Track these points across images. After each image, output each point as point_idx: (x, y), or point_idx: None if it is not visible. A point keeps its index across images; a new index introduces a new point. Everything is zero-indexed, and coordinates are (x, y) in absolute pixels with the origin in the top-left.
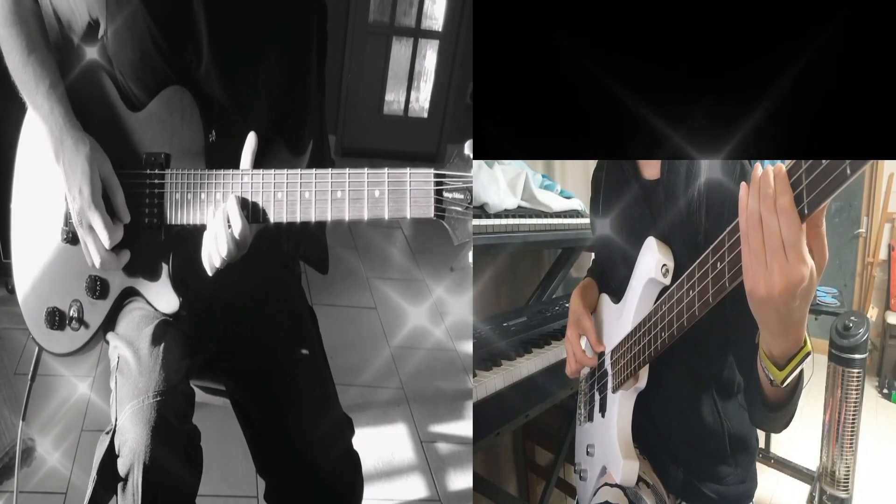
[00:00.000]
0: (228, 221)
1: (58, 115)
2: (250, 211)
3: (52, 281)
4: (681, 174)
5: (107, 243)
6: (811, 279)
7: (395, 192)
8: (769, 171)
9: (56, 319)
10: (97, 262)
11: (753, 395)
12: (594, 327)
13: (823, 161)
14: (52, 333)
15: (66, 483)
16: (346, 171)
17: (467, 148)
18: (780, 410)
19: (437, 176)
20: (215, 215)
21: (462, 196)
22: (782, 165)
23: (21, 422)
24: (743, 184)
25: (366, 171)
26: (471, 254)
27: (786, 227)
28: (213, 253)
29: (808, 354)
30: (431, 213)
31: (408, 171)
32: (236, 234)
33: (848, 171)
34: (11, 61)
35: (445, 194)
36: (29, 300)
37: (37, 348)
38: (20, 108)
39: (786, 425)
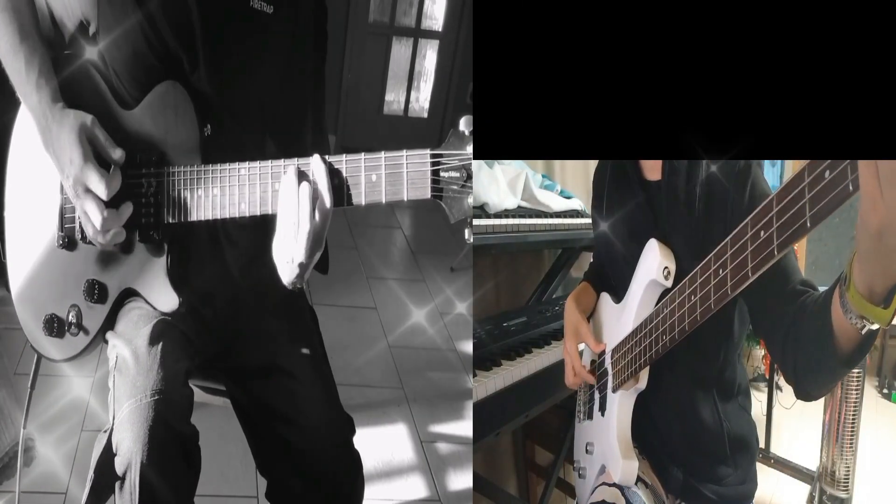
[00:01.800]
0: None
1: (45, 102)
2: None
3: (49, 288)
4: (682, 175)
5: (104, 194)
6: None
7: (392, 175)
8: None
9: (55, 327)
10: (98, 223)
11: (815, 359)
12: (592, 332)
13: (826, 174)
14: (51, 340)
15: (66, 483)
16: (343, 157)
17: (463, 124)
18: (859, 359)
19: (433, 156)
20: (290, 187)
21: (458, 174)
22: None
23: (23, 429)
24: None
25: (362, 155)
26: (471, 253)
27: None
28: (291, 251)
29: None
30: (428, 194)
31: (404, 153)
32: (316, 216)
33: (850, 188)
34: (2, 47)
35: (442, 174)
36: (26, 309)
37: (35, 355)
38: (10, 116)
39: (852, 367)
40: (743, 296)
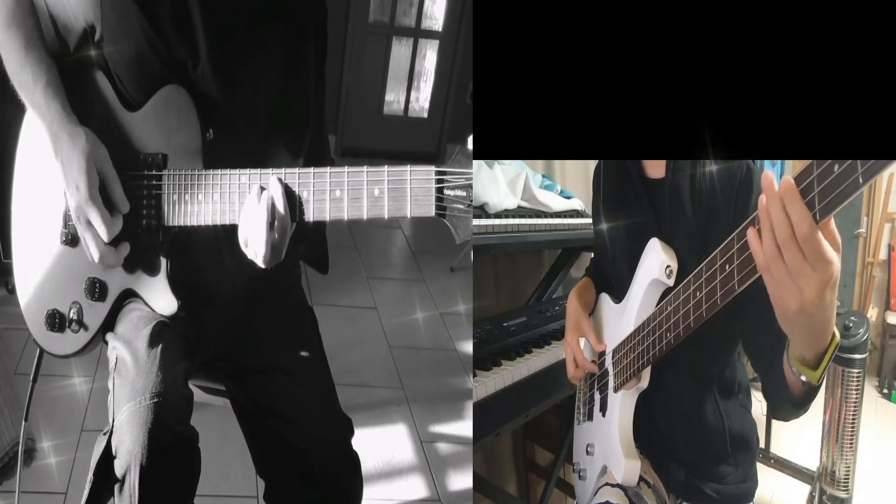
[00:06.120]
0: (272, 211)
1: (54, 111)
2: (296, 206)
3: (51, 283)
4: (686, 174)
5: (105, 237)
6: (837, 271)
7: (395, 191)
8: (777, 201)
9: (56, 321)
10: (96, 257)
11: (778, 394)
12: (594, 328)
13: (836, 168)
14: (53, 335)
15: (66, 483)
16: (345, 169)
17: (470, 144)
18: (808, 404)
19: (438, 173)
20: (253, 202)
21: (464, 193)
22: (792, 185)
23: (24, 422)
24: (751, 230)
25: (365, 169)
26: (471, 253)
27: (807, 248)
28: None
29: (837, 346)
30: (432, 212)
31: (408, 168)
32: (275, 230)
33: (860, 181)
34: (10, 63)
35: (447, 192)
36: (30, 302)
37: (38, 349)
38: (18, 110)
39: (807, 409)
40: (736, 320)
